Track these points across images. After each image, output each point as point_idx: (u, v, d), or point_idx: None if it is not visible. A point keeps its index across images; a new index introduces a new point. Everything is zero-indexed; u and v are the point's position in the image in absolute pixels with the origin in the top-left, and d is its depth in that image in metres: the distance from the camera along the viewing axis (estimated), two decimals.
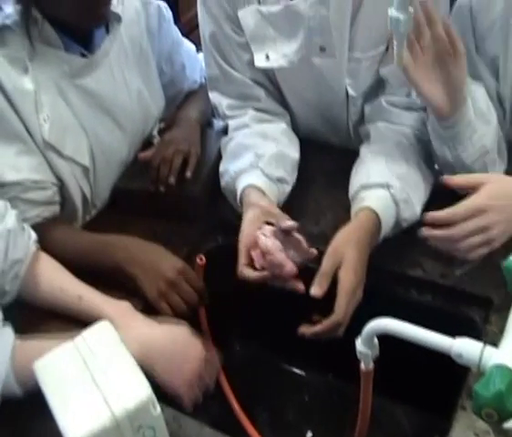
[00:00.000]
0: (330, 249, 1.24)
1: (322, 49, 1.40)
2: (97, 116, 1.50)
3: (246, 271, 1.26)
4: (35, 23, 1.35)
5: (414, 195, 1.35)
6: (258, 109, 1.57)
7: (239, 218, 1.35)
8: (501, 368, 0.77)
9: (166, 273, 1.31)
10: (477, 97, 1.34)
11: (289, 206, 1.43)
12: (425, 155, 1.44)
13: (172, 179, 1.50)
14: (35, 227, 1.35)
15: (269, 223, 1.28)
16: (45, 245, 1.33)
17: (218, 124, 1.72)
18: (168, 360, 1.16)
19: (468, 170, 1.33)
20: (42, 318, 1.27)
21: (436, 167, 1.45)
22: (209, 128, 1.76)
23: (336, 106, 1.57)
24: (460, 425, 1.03)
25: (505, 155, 1.40)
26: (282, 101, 1.63)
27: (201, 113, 1.73)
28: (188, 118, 1.69)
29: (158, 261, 1.33)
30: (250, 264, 1.26)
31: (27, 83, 1.35)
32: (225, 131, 1.60)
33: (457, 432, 1.03)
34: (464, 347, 0.82)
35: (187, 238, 1.49)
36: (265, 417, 1.51)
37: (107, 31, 1.51)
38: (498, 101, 1.41)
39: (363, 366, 0.95)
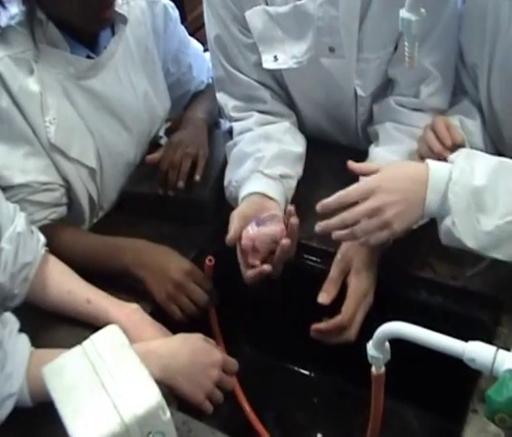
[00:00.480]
0: (338, 256, 1.25)
1: (332, 50, 1.39)
2: (103, 118, 1.50)
3: (247, 273, 1.25)
4: (41, 24, 1.35)
5: None
6: (263, 112, 1.56)
7: None
8: None
9: (173, 275, 1.31)
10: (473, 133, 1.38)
11: (297, 205, 1.42)
12: None
13: (181, 184, 1.49)
14: (43, 229, 1.35)
15: None
16: (53, 247, 1.33)
17: (225, 124, 1.72)
18: (187, 372, 1.16)
19: None
20: (51, 321, 1.27)
21: None
22: (216, 129, 1.75)
23: (345, 107, 1.56)
24: (471, 428, 1.02)
25: None
26: (289, 102, 1.62)
27: (209, 113, 1.72)
28: (195, 119, 1.68)
29: (165, 264, 1.33)
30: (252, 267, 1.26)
31: (33, 84, 1.35)
32: (231, 132, 1.59)
33: (469, 436, 1.02)
34: (476, 351, 0.81)
35: (195, 240, 1.48)
36: (274, 420, 1.50)
37: (113, 32, 1.50)
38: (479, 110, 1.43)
39: (374, 370, 0.94)
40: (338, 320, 1.19)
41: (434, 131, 1.27)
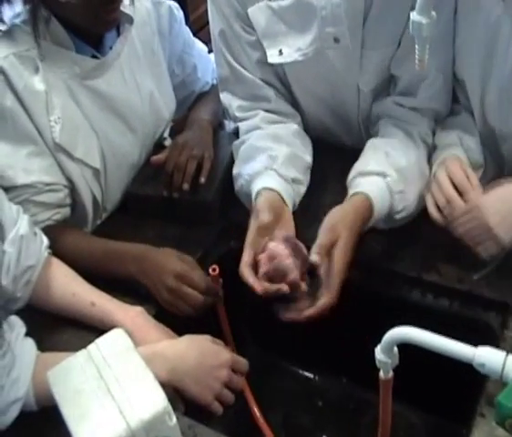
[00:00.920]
0: (327, 225, 1.25)
1: (336, 40, 1.39)
2: (108, 119, 1.49)
3: (246, 272, 1.24)
4: (45, 22, 1.34)
5: (409, 190, 1.36)
6: (268, 111, 1.55)
7: None
8: None
9: (166, 281, 1.30)
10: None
11: (302, 209, 1.42)
12: (427, 156, 1.45)
13: (186, 186, 1.49)
14: (47, 230, 1.34)
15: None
16: (56, 249, 1.32)
17: (229, 125, 1.71)
18: (195, 374, 1.16)
19: None
20: (55, 325, 1.26)
21: None
22: (220, 130, 1.75)
23: (348, 103, 1.56)
24: (479, 433, 1.01)
25: None
26: (293, 102, 1.61)
27: (213, 115, 1.72)
28: (200, 120, 1.68)
29: (161, 270, 1.31)
30: (253, 266, 1.25)
31: (38, 83, 1.35)
32: (236, 133, 1.59)
33: None
34: (486, 356, 0.80)
35: (199, 242, 1.48)
36: (279, 422, 1.50)
37: (119, 32, 1.50)
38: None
39: (382, 375, 0.93)
40: (328, 300, 1.19)
41: (450, 176, 1.29)
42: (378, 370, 0.92)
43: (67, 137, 1.40)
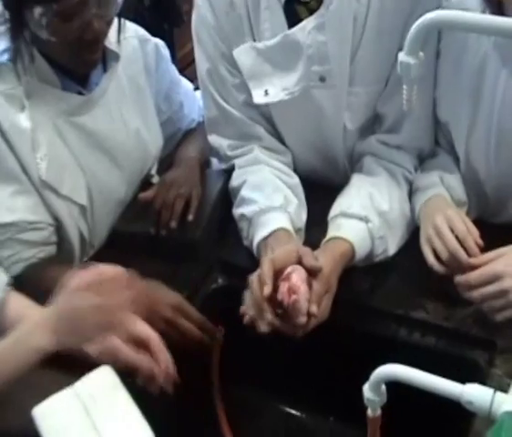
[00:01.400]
0: (324, 277, 1.25)
1: (322, 79, 1.40)
2: (95, 155, 1.49)
3: (265, 307, 1.21)
4: (32, 60, 1.35)
5: (390, 234, 1.38)
6: (262, 147, 1.56)
7: (239, 258, 1.34)
8: None
9: (162, 312, 1.29)
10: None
11: None
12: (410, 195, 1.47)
13: (174, 224, 1.49)
14: (31, 267, 1.34)
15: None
16: (40, 286, 1.29)
17: (217, 163, 1.72)
18: (67, 323, 1.02)
19: None
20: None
21: None
22: (208, 168, 1.75)
23: (333, 141, 1.56)
24: None
25: None
26: (281, 141, 1.61)
27: (201, 152, 1.72)
28: (187, 158, 1.68)
29: (153, 302, 1.30)
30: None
31: (24, 121, 1.34)
32: (228, 171, 1.59)
33: None
34: (474, 394, 0.81)
35: (187, 279, 1.47)
36: None
37: (105, 69, 1.50)
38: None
39: (370, 412, 0.93)
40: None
41: (452, 229, 1.29)
42: (366, 408, 0.92)
43: (54, 174, 1.39)
